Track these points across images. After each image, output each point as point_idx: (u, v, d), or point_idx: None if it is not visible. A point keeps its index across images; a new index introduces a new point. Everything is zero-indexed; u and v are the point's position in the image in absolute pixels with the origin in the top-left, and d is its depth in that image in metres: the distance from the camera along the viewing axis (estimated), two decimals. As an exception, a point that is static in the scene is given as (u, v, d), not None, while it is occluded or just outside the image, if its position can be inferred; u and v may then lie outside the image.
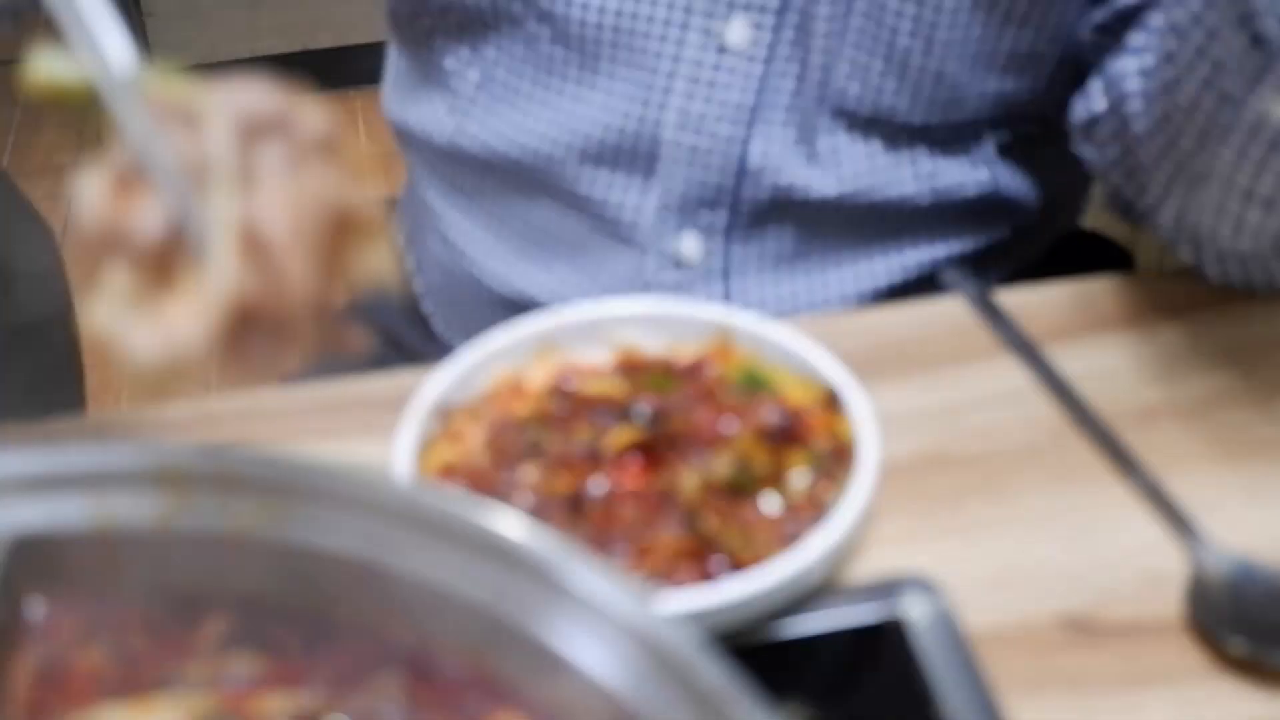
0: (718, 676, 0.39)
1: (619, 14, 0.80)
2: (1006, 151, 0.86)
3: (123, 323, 0.53)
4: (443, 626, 0.45)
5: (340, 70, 2.43)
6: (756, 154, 0.82)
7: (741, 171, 0.83)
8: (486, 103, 0.86)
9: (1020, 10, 0.79)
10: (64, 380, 1.43)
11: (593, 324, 0.70)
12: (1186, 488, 0.64)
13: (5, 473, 0.47)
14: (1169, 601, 0.59)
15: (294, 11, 2.69)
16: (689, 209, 0.84)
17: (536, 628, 0.42)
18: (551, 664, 0.42)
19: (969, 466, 0.66)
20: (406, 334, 0.99)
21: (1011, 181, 0.87)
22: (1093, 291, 0.77)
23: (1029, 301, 0.76)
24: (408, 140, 0.95)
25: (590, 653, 0.41)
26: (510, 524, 0.44)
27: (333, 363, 1.00)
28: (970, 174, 0.85)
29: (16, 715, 0.45)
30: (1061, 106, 0.83)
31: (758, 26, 0.79)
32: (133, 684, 0.46)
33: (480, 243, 0.90)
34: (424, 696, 0.45)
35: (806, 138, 0.82)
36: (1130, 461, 0.65)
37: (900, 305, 0.78)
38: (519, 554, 0.43)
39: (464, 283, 0.92)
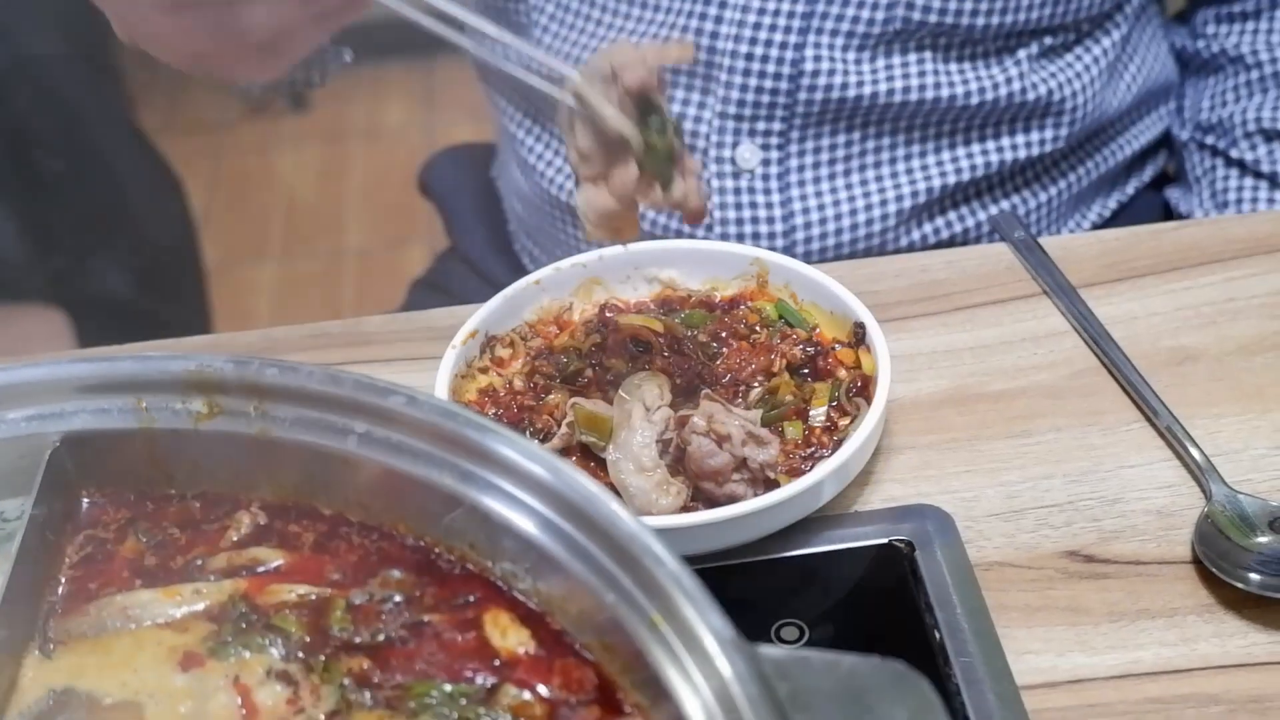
0: (627, 524, 0.43)
1: None
2: (1051, 54, 0.88)
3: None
4: (440, 524, 0.49)
5: None
6: (810, 60, 0.84)
7: (796, 78, 0.85)
8: (557, 29, 0.90)
9: None
10: (189, 310, 1.52)
11: (634, 260, 0.72)
12: (1211, 432, 0.65)
13: (58, 377, 0.52)
14: (1178, 541, 0.60)
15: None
16: (745, 117, 0.86)
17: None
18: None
19: (993, 405, 0.67)
20: (495, 268, 1.03)
21: (1056, 84, 0.88)
22: (1135, 238, 0.77)
23: (1072, 245, 0.77)
24: (486, 70, 0.98)
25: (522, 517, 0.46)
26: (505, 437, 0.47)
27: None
28: (1017, 77, 0.87)
29: (63, 598, 0.50)
30: (1105, 15, 0.86)
31: None
32: (165, 571, 0.50)
33: (553, 163, 0.94)
34: (424, 590, 0.49)
35: (861, 44, 0.84)
36: (1153, 403, 0.66)
37: (946, 250, 0.79)
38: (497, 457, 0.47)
39: (543, 204, 0.96)
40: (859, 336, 0.66)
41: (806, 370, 0.66)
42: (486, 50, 0.65)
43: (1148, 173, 0.99)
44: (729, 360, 0.67)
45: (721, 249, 0.72)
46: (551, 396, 0.65)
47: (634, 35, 0.87)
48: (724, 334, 0.68)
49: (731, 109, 0.86)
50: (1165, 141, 1.00)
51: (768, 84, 0.85)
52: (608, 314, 0.70)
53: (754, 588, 0.59)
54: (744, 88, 0.85)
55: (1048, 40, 0.87)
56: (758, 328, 0.69)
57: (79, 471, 0.52)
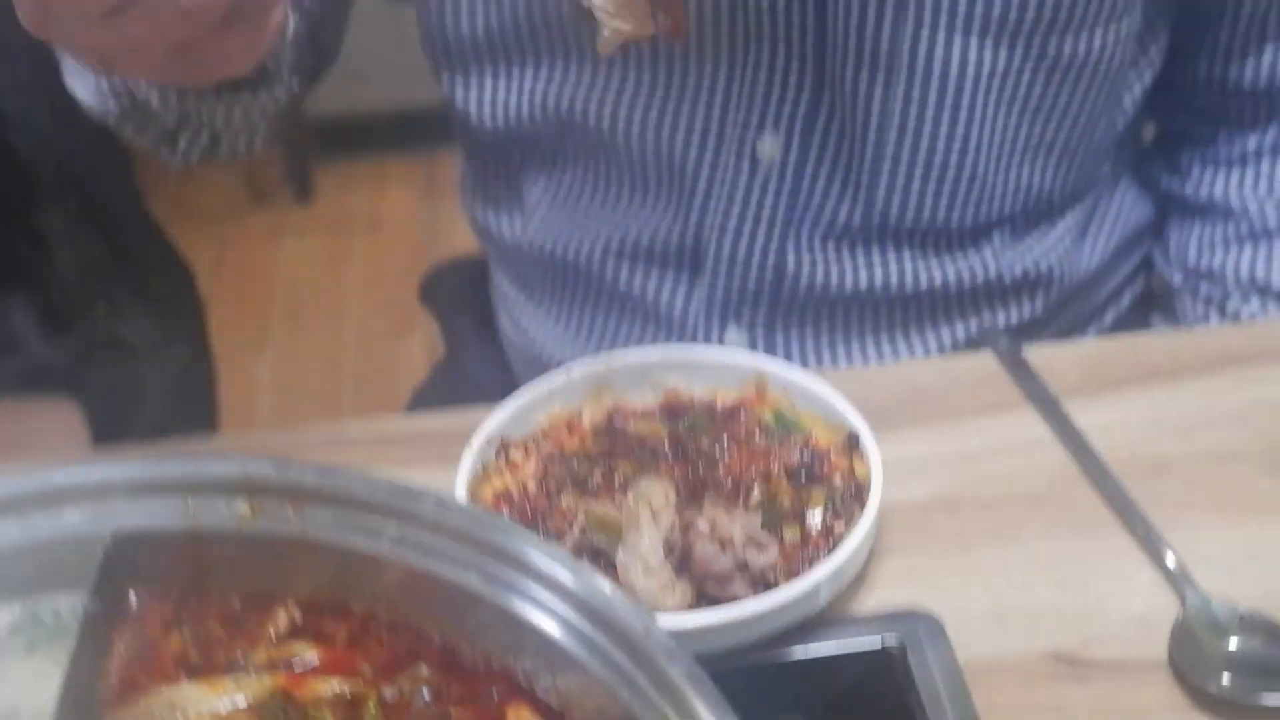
0: (653, 634, 0.46)
1: (663, 134, 0.86)
2: (1023, 233, 0.91)
3: None
4: (467, 623, 0.52)
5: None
6: (792, 259, 0.88)
7: (779, 274, 0.89)
8: (547, 214, 0.94)
9: (1037, 105, 0.84)
10: (197, 406, 1.55)
11: (642, 368, 0.76)
12: (1188, 540, 0.69)
13: (109, 478, 0.56)
14: (1156, 644, 0.64)
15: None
16: (731, 306, 0.91)
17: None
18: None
19: (980, 511, 0.71)
20: (492, 385, 1.07)
21: (1031, 261, 0.91)
22: (1115, 349, 0.82)
23: (1055, 356, 0.81)
24: (482, 232, 1.03)
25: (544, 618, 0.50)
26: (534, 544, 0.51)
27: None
28: (993, 261, 0.90)
29: (112, 690, 0.53)
30: (1079, 194, 0.89)
31: (786, 141, 0.85)
32: (208, 666, 0.54)
33: (542, 328, 0.98)
34: (451, 685, 0.52)
35: (839, 242, 0.88)
36: (1132, 511, 0.70)
37: (934, 360, 0.83)
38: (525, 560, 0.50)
39: (531, 363, 1.00)
40: (853, 443, 0.70)
41: (804, 474, 0.70)
42: None
43: (1125, 301, 1.03)
44: (730, 465, 0.71)
45: (723, 357, 0.76)
46: (564, 499, 0.69)
47: (625, 226, 0.91)
48: (725, 439, 0.73)
49: (718, 297, 0.91)
50: (1143, 265, 1.02)
51: (751, 278, 0.89)
52: (616, 420, 0.75)
53: (755, 687, 0.63)
54: (729, 281, 0.90)
55: (1020, 221, 0.91)
56: (757, 434, 0.73)
57: (126, 569, 0.56)
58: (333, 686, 0.53)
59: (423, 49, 0.93)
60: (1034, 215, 0.91)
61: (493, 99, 0.91)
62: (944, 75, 0.82)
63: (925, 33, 0.80)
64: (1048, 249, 0.92)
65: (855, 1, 0.80)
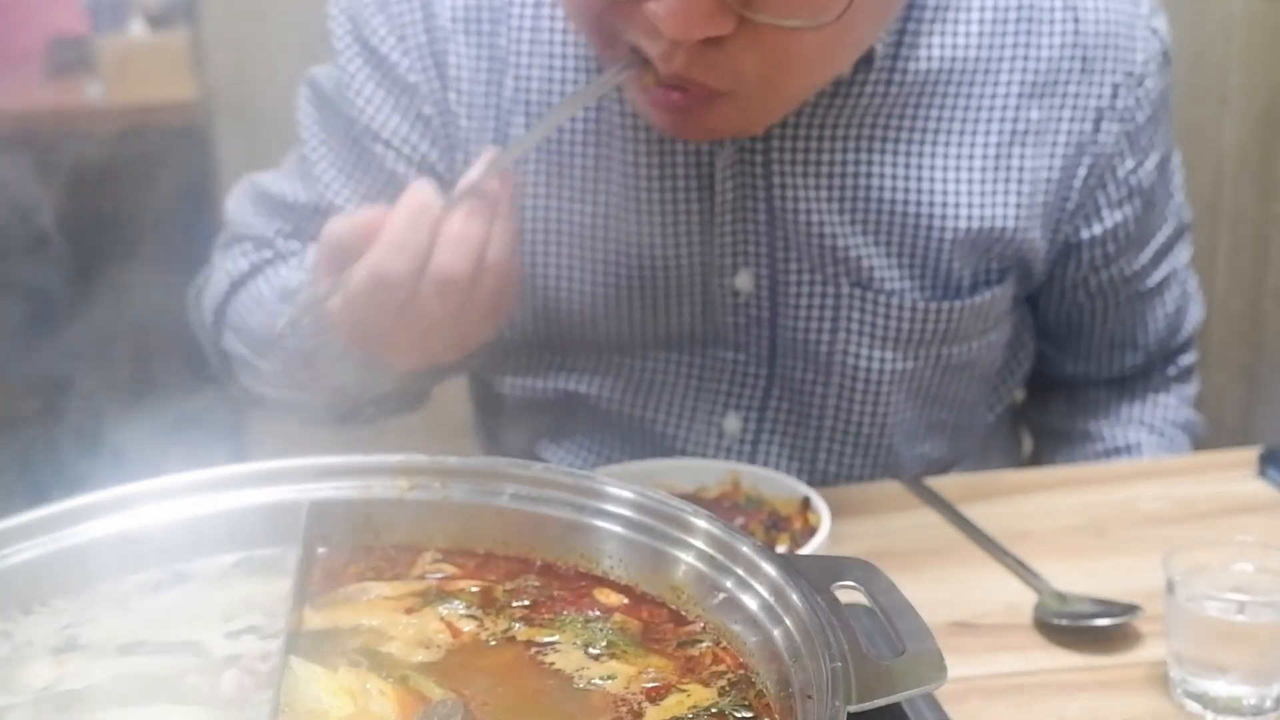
0: (698, 514, 0.73)
1: (653, 413, 1.16)
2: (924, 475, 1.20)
3: None
4: (561, 543, 0.78)
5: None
6: None
7: None
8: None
9: (935, 394, 1.16)
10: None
11: (648, 471, 1.04)
12: (1043, 568, 0.97)
13: (309, 466, 0.82)
14: (1022, 616, 0.91)
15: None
16: None
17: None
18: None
19: (900, 557, 0.99)
20: None
21: None
22: (991, 477, 1.12)
23: (949, 482, 1.11)
24: None
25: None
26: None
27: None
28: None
29: (318, 586, 0.77)
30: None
31: (745, 420, 1.16)
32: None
33: None
34: (551, 583, 0.77)
35: None
36: (1002, 550, 0.98)
37: (857, 484, 1.13)
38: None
39: None
40: (805, 505, 0.98)
41: (772, 526, 0.98)
42: None
43: None
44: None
45: (705, 463, 1.05)
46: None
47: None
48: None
49: None
50: None
51: None
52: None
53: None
54: None
55: (922, 472, 1.18)
56: (736, 509, 1.01)
57: (317, 528, 0.81)
58: (470, 584, 0.77)
59: None
60: (932, 472, 1.19)
61: (519, 384, 1.20)
62: (867, 372, 1.13)
63: (854, 343, 1.12)
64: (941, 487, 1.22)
65: (801, 322, 1.11)
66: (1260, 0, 1.59)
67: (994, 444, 1.28)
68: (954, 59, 1.07)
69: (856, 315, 1.11)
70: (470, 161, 1.00)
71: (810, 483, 1.09)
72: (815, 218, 1.08)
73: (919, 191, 1.08)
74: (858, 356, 1.12)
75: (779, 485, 1.01)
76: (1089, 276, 1.18)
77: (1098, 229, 1.14)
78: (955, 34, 1.07)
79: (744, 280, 1.11)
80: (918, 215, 1.08)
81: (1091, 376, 1.26)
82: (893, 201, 1.08)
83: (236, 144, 2.14)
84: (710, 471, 1.04)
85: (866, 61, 1.05)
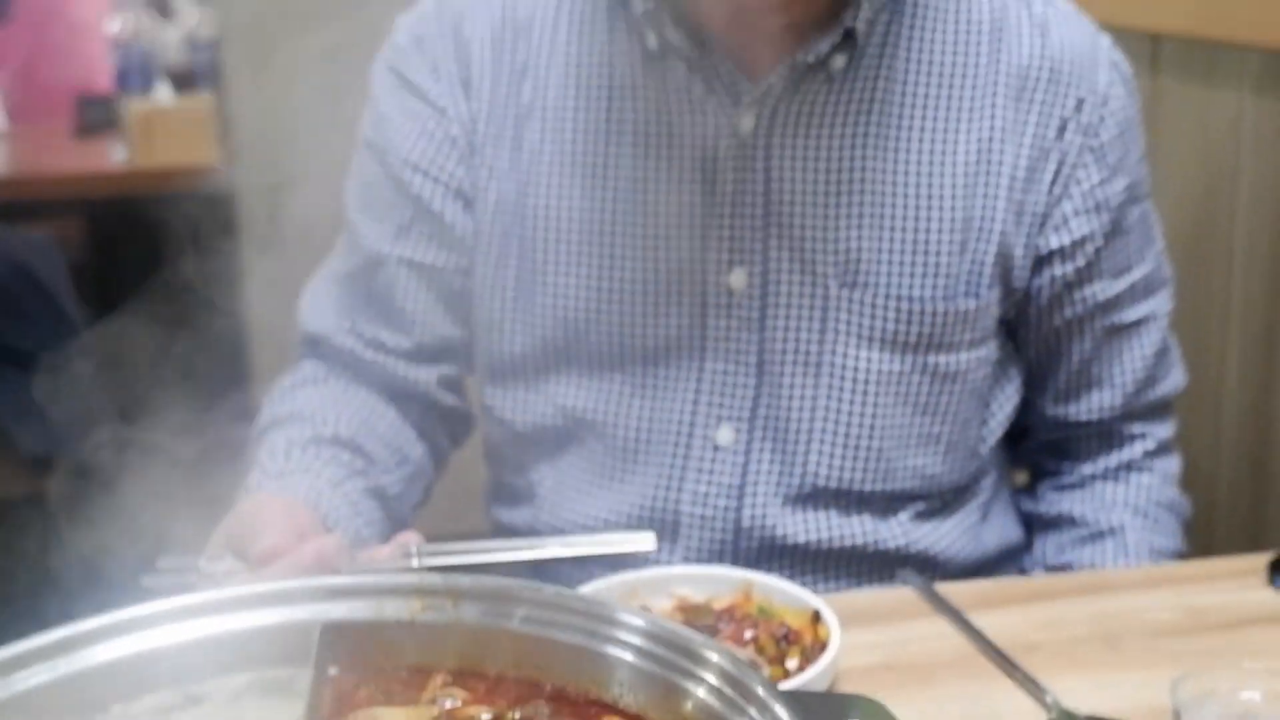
0: (709, 646, 0.73)
1: (649, 428, 1.19)
2: (926, 517, 1.22)
3: None
4: (570, 667, 0.79)
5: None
6: (746, 518, 1.19)
7: (737, 531, 1.19)
8: (555, 499, 1.24)
9: (924, 403, 1.18)
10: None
11: (662, 579, 1.05)
12: (1054, 682, 0.96)
13: (321, 585, 0.83)
14: (1039, 736, 0.91)
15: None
16: (703, 559, 1.20)
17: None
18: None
19: (911, 670, 0.99)
20: None
21: (931, 541, 1.22)
22: (1002, 583, 1.12)
23: (960, 589, 1.11)
24: (498, 530, 1.32)
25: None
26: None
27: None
28: (901, 534, 1.20)
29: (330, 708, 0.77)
30: (965, 489, 1.23)
31: (737, 431, 1.19)
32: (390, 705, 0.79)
33: None
34: (562, 709, 0.78)
35: (786, 503, 1.19)
36: (1012, 664, 0.98)
37: (868, 588, 1.13)
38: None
39: None
40: (816, 617, 0.99)
41: (784, 639, 0.98)
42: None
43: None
44: (731, 634, 0.98)
45: (717, 571, 1.05)
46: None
47: (618, 500, 1.21)
48: (727, 620, 1.00)
49: (693, 554, 1.20)
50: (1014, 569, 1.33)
51: (716, 536, 1.19)
52: (642, 613, 1.02)
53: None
54: (700, 539, 1.20)
55: (922, 505, 1.22)
56: (748, 619, 1.01)
57: (329, 649, 0.82)
58: (481, 711, 0.78)
59: (477, 371, 1.26)
60: (931, 508, 1.22)
61: (524, 404, 1.23)
62: (855, 372, 1.16)
63: (841, 343, 1.16)
64: (941, 536, 1.23)
65: (791, 323, 1.16)
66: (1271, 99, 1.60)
67: (994, 517, 1.29)
68: (932, 61, 1.16)
69: (844, 316, 1.16)
70: (487, 168, 1.17)
71: (803, 490, 1.12)
72: (809, 209, 1.15)
73: (908, 184, 1.16)
74: (845, 356, 1.17)
75: (790, 596, 1.02)
76: (1063, 295, 1.22)
77: (1065, 238, 1.19)
78: (933, 40, 1.16)
79: (738, 278, 1.16)
80: (906, 205, 1.16)
81: (1071, 419, 1.28)
82: (884, 193, 1.15)
83: (259, 208, 2.15)
84: (722, 581, 1.05)
85: (856, 52, 1.14)
